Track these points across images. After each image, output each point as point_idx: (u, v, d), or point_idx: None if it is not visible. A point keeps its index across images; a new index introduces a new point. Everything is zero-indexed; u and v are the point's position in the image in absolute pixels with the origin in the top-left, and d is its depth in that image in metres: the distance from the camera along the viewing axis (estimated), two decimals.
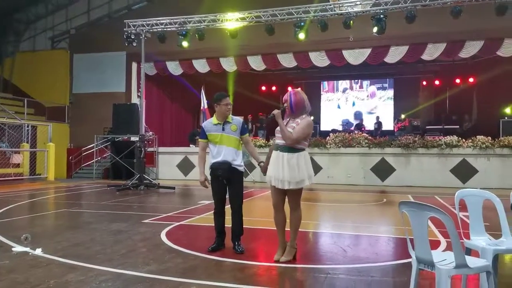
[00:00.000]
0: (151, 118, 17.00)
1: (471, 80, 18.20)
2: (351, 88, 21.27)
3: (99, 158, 16.41)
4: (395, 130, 17.03)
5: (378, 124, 18.14)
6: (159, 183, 12.54)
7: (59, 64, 18.91)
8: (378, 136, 15.38)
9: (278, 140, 4.20)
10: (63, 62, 18.80)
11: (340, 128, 18.71)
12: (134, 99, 16.90)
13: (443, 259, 2.79)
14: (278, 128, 4.25)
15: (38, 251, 4.56)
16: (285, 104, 4.23)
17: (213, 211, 4.79)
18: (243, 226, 4.70)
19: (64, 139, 17.92)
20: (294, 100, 4.16)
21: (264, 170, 4.41)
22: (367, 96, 20.93)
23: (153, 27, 13.57)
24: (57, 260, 4.29)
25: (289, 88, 5.08)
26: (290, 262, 4.19)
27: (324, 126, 19.68)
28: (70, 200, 9.79)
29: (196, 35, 13.29)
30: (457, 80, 18.62)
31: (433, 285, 2.87)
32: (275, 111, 4.20)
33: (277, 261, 4.21)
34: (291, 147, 4.11)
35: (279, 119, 4.16)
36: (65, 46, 19.85)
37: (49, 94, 18.69)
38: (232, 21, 12.87)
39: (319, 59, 15.13)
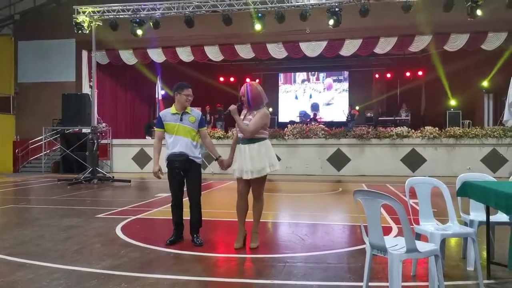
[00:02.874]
0: (104, 109, 16.38)
1: (420, 73, 19.05)
2: (308, 80, 21.61)
3: (48, 151, 15.65)
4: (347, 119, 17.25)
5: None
6: (113, 176, 12.15)
7: (2, 51, 17.74)
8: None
9: (239, 134, 4.35)
10: (7, 49, 17.67)
11: (298, 120, 18.95)
12: (86, 89, 16.16)
13: (395, 244, 2.92)
14: None
15: None
16: (242, 98, 4.36)
17: (170, 204, 4.72)
18: (202, 218, 4.67)
19: (10, 131, 16.95)
20: (251, 95, 4.31)
21: (227, 166, 4.47)
22: (324, 88, 21.35)
23: (104, 14, 13.00)
24: (4, 259, 4.07)
25: (247, 80, 5.16)
26: (252, 250, 4.27)
27: (282, 117, 19.86)
28: (17, 195, 9.27)
29: (151, 23, 12.90)
30: (407, 74, 19.42)
31: (385, 269, 3.00)
32: (231, 107, 4.36)
33: (237, 249, 4.33)
34: (251, 138, 4.27)
35: (235, 114, 4.34)
36: (9, 33, 18.58)
37: None
38: (188, 9, 12.60)
39: (277, 51, 15.20)
